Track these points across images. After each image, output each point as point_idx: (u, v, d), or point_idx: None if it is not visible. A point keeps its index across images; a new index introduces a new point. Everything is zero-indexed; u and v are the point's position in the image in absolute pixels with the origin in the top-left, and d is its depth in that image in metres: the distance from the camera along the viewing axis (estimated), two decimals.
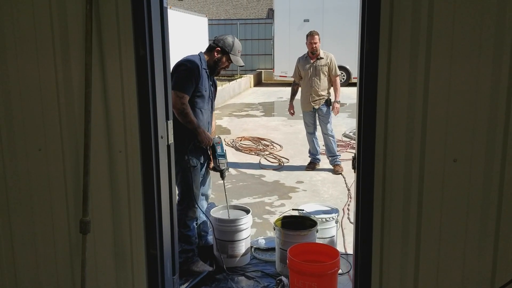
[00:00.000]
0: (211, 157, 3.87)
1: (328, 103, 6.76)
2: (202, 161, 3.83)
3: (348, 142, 8.53)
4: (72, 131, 2.56)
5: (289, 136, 9.39)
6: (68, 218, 2.65)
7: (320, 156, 7.10)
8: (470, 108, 2.22)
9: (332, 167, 6.84)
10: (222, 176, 3.88)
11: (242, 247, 3.95)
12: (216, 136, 3.83)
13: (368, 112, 2.32)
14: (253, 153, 7.98)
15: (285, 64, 18.50)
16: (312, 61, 6.72)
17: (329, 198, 5.72)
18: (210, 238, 4.21)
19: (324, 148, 7.07)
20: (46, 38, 2.50)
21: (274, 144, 8.53)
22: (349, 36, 17.89)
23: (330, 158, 6.91)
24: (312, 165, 7.01)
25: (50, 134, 2.59)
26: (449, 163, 2.29)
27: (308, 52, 6.82)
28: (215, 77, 3.94)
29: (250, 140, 8.73)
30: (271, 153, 7.93)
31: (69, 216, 2.65)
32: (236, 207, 4.20)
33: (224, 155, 3.82)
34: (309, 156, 7.11)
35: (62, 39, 2.49)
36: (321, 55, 6.70)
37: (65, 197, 2.63)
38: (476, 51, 2.18)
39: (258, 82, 20.53)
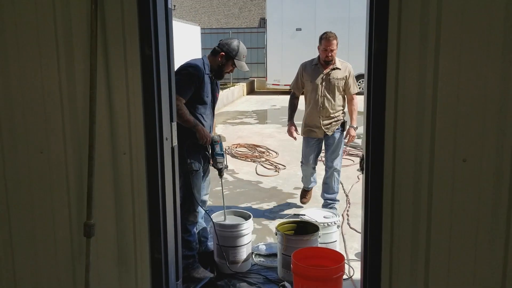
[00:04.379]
0: (209, 155, 3.83)
1: (343, 127, 5.00)
2: (203, 165, 3.79)
3: (343, 148, 8.50)
4: (75, 133, 2.51)
5: (284, 143, 9.36)
6: (70, 221, 2.59)
7: (314, 182, 5.49)
8: (480, 107, 2.22)
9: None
10: (220, 174, 3.84)
11: (244, 252, 3.90)
12: (216, 135, 3.77)
13: (377, 112, 2.30)
14: (249, 159, 7.94)
15: (277, 72, 18.56)
16: (325, 71, 4.83)
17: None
18: (210, 244, 4.16)
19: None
20: (49, 38, 2.46)
21: (270, 151, 8.50)
22: (342, 45, 18.04)
23: (327, 201, 5.17)
24: (305, 193, 5.60)
25: (52, 136, 2.54)
26: (459, 163, 2.28)
27: (318, 58, 4.93)
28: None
29: (245, 147, 8.70)
30: (267, 159, 7.90)
31: (72, 219, 2.59)
32: (236, 213, 4.15)
33: (222, 154, 3.77)
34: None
35: (66, 39, 2.45)
36: (338, 64, 4.85)
37: (68, 200, 2.57)
38: (485, 50, 2.18)
39: (251, 91, 20.55)
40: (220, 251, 3.89)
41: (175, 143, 2.73)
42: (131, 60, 2.40)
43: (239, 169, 7.35)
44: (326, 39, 4.73)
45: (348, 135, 5.03)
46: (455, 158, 2.27)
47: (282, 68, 18.40)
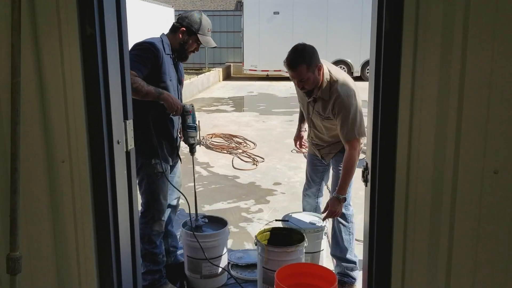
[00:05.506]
0: (179, 145, 3.29)
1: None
2: (171, 163, 3.25)
3: None
4: None
5: (263, 132, 8.87)
6: None
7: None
8: None
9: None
10: (192, 152, 3.25)
11: (218, 265, 3.39)
12: (188, 104, 3.18)
13: (388, 109, 1.80)
14: (225, 151, 7.40)
15: (255, 57, 18.00)
16: (308, 99, 3.16)
17: None
18: (180, 254, 3.64)
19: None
20: None
21: (247, 142, 7.98)
22: (320, 29, 17.57)
23: (337, 261, 3.49)
24: None
25: None
26: (489, 175, 1.79)
27: None
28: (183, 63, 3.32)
29: (221, 137, 8.14)
30: (244, 151, 7.37)
31: None
32: (211, 218, 3.62)
33: (195, 127, 3.19)
34: None
35: None
36: (323, 93, 2.98)
37: None
38: None
39: (227, 76, 19.90)
40: (191, 264, 3.38)
41: (131, 145, 2.17)
42: (68, 40, 1.83)
43: (215, 162, 6.81)
44: (287, 67, 2.90)
45: (327, 210, 3.14)
46: (485, 169, 1.79)
47: (260, 53, 17.83)
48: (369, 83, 1.93)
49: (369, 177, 1.96)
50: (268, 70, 18.11)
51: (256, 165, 6.69)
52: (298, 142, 3.75)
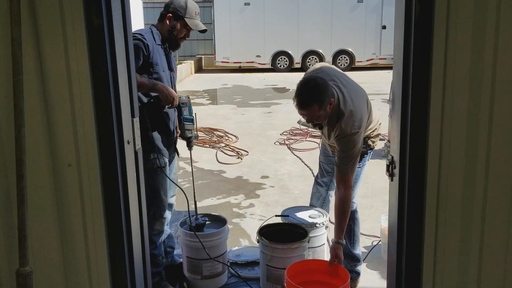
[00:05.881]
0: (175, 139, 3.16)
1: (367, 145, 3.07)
2: (168, 158, 3.11)
3: (306, 130, 8.00)
4: None
5: (242, 125, 8.74)
6: None
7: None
8: None
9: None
10: (189, 146, 3.13)
11: (219, 264, 3.28)
12: (184, 96, 3.06)
13: (419, 100, 1.71)
14: (208, 145, 7.25)
15: (226, 49, 17.79)
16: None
17: (301, 195, 5.14)
18: (176, 253, 3.51)
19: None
20: None
21: (229, 135, 7.84)
22: (291, 20, 17.50)
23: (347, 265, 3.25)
24: None
25: None
26: None
27: None
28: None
29: (201, 131, 7.98)
30: (227, 145, 7.24)
31: None
32: (209, 216, 3.49)
33: (192, 120, 3.07)
34: None
35: None
36: (328, 122, 2.85)
37: None
38: None
39: (199, 69, 19.63)
40: (191, 264, 3.25)
41: (139, 145, 2.03)
42: (72, 32, 1.66)
43: (198, 157, 6.65)
44: (297, 107, 2.72)
45: (333, 255, 2.84)
46: None
47: (231, 45, 17.63)
48: (394, 71, 1.85)
49: (395, 171, 1.87)
50: (240, 62, 17.95)
51: (241, 159, 6.57)
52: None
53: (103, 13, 1.67)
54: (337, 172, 2.87)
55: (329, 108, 2.72)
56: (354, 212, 3.27)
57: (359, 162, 2.98)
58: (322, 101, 2.65)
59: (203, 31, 3.09)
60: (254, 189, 5.41)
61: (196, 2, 3.08)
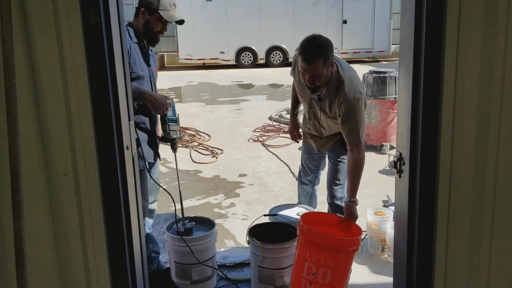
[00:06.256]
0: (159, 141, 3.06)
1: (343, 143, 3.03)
2: (150, 161, 3.00)
3: (278, 126, 7.97)
4: None
5: (213, 123, 8.61)
6: None
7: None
8: None
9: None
10: (174, 147, 3.04)
11: (209, 268, 3.19)
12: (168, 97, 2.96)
13: (430, 95, 1.69)
14: (181, 145, 7.10)
15: (189, 46, 17.49)
16: (311, 94, 2.96)
17: (281, 192, 5.10)
18: (161, 257, 3.39)
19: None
20: None
21: (201, 134, 7.71)
22: (254, 16, 17.43)
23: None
24: None
25: None
26: None
27: None
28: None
29: None
30: (200, 144, 7.11)
31: None
32: (195, 219, 3.39)
33: (176, 120, 2.97)
34: None
35: None
36: (329, 91, 2.85)
37: None
38: None
39: (162, 66, 19.25)
40: (180, 270, 3.15)
41: (135, 150, 1.92)
42: (68, 31, 1.54)
43: (172, 157, 6.48)
44: (302, 60, 2.68)
45: (347, 213, 2.87)
46: None
47: (195, 41, 17.36)
48: (401, 66, 1.81)
49: (404, 167, 1.84)
50: (204, 59, 17.74)
51: (216, 158, 6.47)
52: (295, 132, 3.51)
53: (100, 8, 1.55)
54: (350, 142, 2.84)
55: (330, 70, 2.74)
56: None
57: (346, 155, 3.01)
58: (327, 57, 2.66)
59: (180, 22, 2.98)
60: (233, 188, 5.32)
61: None
